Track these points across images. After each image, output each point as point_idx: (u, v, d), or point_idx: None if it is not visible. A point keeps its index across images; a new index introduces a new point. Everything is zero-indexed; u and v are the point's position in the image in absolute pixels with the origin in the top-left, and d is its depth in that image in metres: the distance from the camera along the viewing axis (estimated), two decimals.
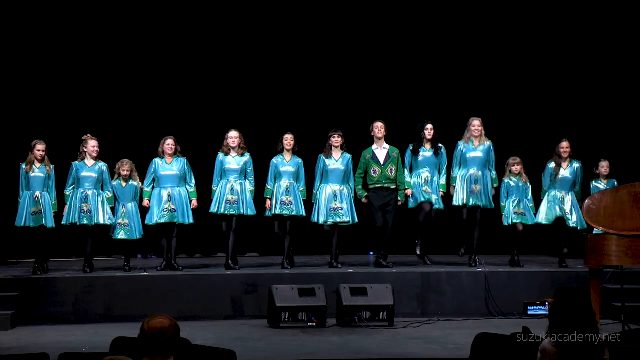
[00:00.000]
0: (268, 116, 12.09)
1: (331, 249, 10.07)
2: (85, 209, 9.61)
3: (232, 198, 9.95)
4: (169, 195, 9.87)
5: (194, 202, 10.01)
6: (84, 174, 9.71)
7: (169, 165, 9.98)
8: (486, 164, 10.18)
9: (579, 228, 9.95)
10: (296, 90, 12.41)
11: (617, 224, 8.20)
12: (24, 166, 9.62)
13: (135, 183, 9.96)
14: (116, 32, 11.96)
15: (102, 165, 9.83)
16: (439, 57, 12.47)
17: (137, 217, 9.91)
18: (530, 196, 10.21)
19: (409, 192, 10.12)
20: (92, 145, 9.79)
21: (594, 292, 8.10)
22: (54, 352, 5.48)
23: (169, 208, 9.86)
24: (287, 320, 8.80)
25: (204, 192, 10.19)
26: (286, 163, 10.08)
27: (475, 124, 10.19)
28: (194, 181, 10.07)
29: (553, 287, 9.11)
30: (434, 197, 10.03)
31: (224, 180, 10.01)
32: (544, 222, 10.19)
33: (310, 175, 10.26)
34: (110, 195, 9.81)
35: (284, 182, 10.00)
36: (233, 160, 10.06)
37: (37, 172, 9.59)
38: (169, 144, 10.00)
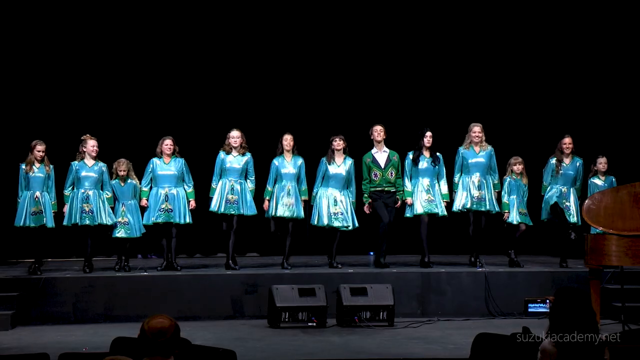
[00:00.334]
0: (268, 116, 12.08)
1: (331, 250, 10.06)
2: (87, 209, 9.61)
3: (232, 198, 9.95)
4: (166, 195, 9.87)
5: (192, 203, 10.00)
6: (84, 174, 9.71)
7: (167, 165, 9.98)
8: (488, 169, 10.15)
9: (578, 224, 9.96)
10: (297, 91, 12.39)
11: (617, 224, 8.21)
12: (23, 166, 9.62)
13: (133, 182, 9.96)
14: (116, 31, 11.95)
15: (102, 166, 9.82)
16: (438, 59, 12.46)
17: (138, 215, 9.91)
18: (526, 198, 10.22)
19: (409, 201, 10.10)
20: (91, 145, 9.78)
21: (594, 292, 8.10)
22: (54, 352, 5.48)
23: (166, 208, 9.86)
24: (287, 320, 8.80)
25: (204, 192, 10.18)
26: (287, 164, 10.08)
27: (476, 130, 10.16)
28: (192, 182, 10.07)
29: (553, 287, 9.13)
30: (436, 207, 10.00)
31: (224, 180, 10.01)
32: (544, 215, 10.20)
33: (311, 177, 10.24)
34: (110, 195, 9.81)
35: (286, 184, 10.00)
36: (234, 160, 10.06)
37: (37, 172, 9.59)
38: (167, 144, 9.99)
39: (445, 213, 10.11)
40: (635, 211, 8.21)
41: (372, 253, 11.04)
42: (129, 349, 4.51)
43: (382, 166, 10.09)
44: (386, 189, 10.10)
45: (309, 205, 10.22)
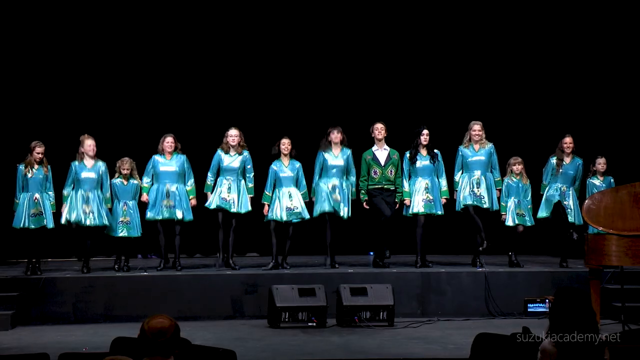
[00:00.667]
0: (267, 116, 12.09)
1: (324, 241, 10.04)
2: (87, 209, 9.60)
3: (228, 196, 9.95)
4: (167, 192, 9.87)
5: (193, 201, 10.01)
6: (84, 174, 9.69)
7: (168, 162, 9.98)
8: (488, 167, 10.15)
9: (576, 223, 9.96)
10: (296, 91, 12.40)
11: (617, 224, 8.21)
12: (22, 167, 9.61)
13: (136, 181, 9.97)
14: (115, 31, 11.96)
15: (101, 165, 9.81)
16: (438, 58, 12.47)
17: (137, 215, 9.92)
18: (529, 197, 10.21)
19: (407, 201, 10.11)
20: (88, 144, 9.76)
21: (594, 292, 8.10)
22: (54, 352, 5.48)
23: (168, 204, 9.86)
24: (287, 320, 8.80)
25: (204, 191, 10.18)
26: (285, 169, 10.08)
27: (476, 128, 10.17)
28: (193, 179, 10.07)
29: (553, 287, 9.12)
30: (435, 207, 10.00)
31: (221, 178, 10.01)
32: (544, 214, 10.19)
33: (310, 177, 10.23)
34: (108, 195, 9.81)
35: (286, 190, 10.00)
36: (232, 159, 10.07)
37: (36, 173, 9.59)
38: (168, 141, 10.00)
39: (443, 212, 10.10)
40: (635, 211, 8.21)
41: (372, 253, 11.03)
42: (129, 349, 4.50)
43: (382, 164, 10.10)
44: (385, 186, 10.10)
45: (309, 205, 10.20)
